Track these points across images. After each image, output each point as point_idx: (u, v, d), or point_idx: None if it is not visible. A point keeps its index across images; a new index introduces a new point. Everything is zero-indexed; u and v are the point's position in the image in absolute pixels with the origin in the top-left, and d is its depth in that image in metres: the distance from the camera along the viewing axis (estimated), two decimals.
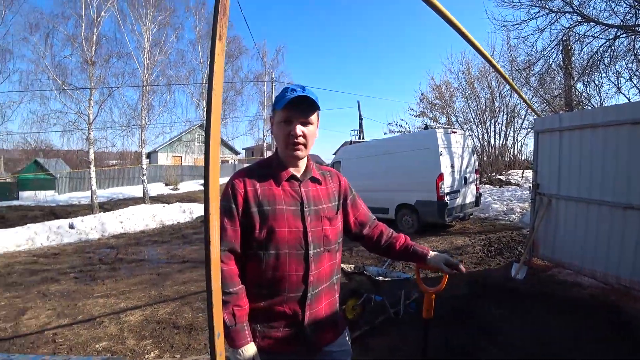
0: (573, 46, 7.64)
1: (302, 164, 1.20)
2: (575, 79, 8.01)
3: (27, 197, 18.68)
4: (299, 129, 1.10)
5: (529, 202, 8.92)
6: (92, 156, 13.24)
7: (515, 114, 15.91)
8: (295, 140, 1.11)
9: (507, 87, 15.30)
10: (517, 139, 16.88)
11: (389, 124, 18.71)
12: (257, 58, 21.75)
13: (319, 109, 1.15)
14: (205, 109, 0.87)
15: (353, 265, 3.53)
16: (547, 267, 4.46)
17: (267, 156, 1.26)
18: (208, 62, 0.91)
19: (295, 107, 1.09)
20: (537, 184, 4.42)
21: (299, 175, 1.18)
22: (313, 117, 1.14)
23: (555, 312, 3.17)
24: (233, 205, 1.08)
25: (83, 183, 20.23)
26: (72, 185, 21.58)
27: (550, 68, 8.23)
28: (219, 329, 0.87)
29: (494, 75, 15.59)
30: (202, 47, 17.61)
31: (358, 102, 19.71)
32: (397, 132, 17.64)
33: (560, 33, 7.14)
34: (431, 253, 1.32)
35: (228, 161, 33.88)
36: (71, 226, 9.39)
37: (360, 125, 20.23)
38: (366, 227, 1.34)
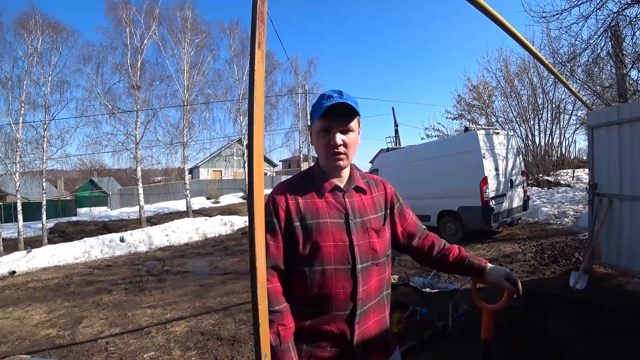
0: (624, 31, 7.03)
1: (345, 173, 1.14)
2: (629, 67, 7.33)
3: (84, 213, 20.29)
4: (339, 137, 1.05)
5: (584, 204, 8.27)
6: (139, 174, 14.13)
7: (562, 110, 14.85)
8: (336, 150, 1.05)
9: (550, 82, 14.39)
10: (564, 137, 15.73)
11: (426, 128, 18.12)
12: (290, 71, 22.19)
13: (359, 115, 1.09)
14: (248, 120, 0.84)
15: (397, 276, 3.40)
16: (611, 276, 4.04)
17: (308, 167, 1.22)
18: (247, 74, 0.86)
19: (334, 115, 1.04)
20: (595, 184, 4.04)
21: (342, 186, 1.12)
22: (353, 124, 1.08)
23: (629, 327, 2.82)
24: (275, 220, 1.04)
25: (132, 199, 21.57)
26: (123, 201, 23.13)
27: (599, 57, 7.60)
28: (265, 350, 0.83)
29: (535, 70, 14.72)
30: (237, 65, 18.38)
31: (392, 108, 19.32)
32: (435, 136, 17.09)
33: (608, 18, 6.59)
34: (489, 266, 1.19)
35: (266, 174, 34.70)
36: (122, 240, 9.99)
37: (396, 131, 19.84)
38: (415, 238, 1.24)
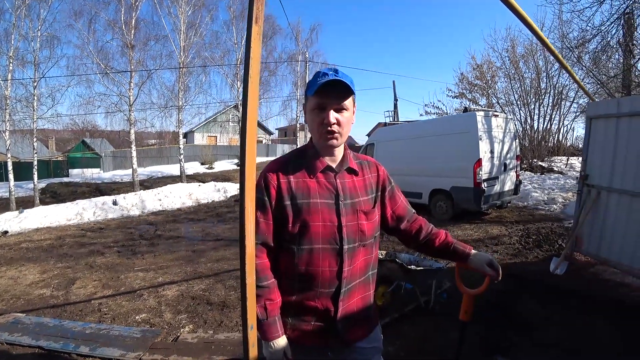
0: (637, 20, 6.87)
1: (339, 153, 1.14)
2: (637, 57, 7.23)
3: (76, 174, 20.15)
4: (333, 115, 1.03)
5: (574, 192, 8.40)
6: (133, 136, 13.90)
7: (564, 96, 14.74)
8: (330, 129, 1.04)
9: (556, 66, 14.15)
10: (563, 123, 15.72)
11: (425, 105, 17.80)
12: (291, 37, 21.45)
13: (354, 94, 1.08)
14: (242, 97, 0.83)
15: (384, 252, 3.49)
16: (589, 264, 4.19)
17: (302, 145, 1.22)
18: (244, 46, 0.85)
19: (328, 93, 1.02)
20: (587, 175, 4.09)
21: (334, 166, 1.12)
22: (348, 103, 1.07)
23: (598, 313, 2.96)
24: (266, 198, 1.05)
25: (125, 162, 21.42)
26: (116, 163, 22.96)
27: (608, 45, 7.46)
28: (252, 321, 0.87)
29: (542, 53, 14.43)
30: (236, 28, 17.64)
31: (393, 82, 19.00)
32: (434, 114, 16.93)
33: (623, 5, 6.41)
34: (473, 252, 1.23)
35: (261, 141, 34.41)
36: (114, 203, 10.01)
37: (395, 106, 19.61)
38: (404, 221, 1.27)
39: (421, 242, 1.27)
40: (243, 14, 17.08)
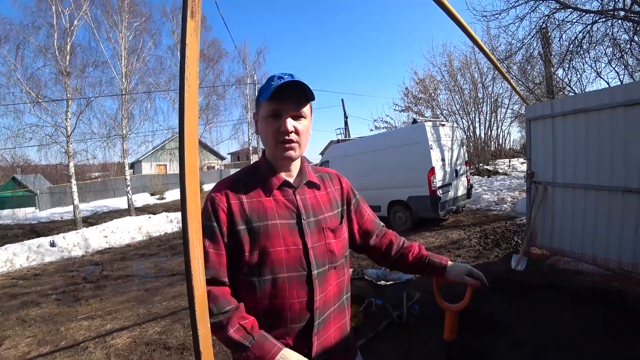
0: (552, 33, 7.68)
1: (295, 166, 1.01)
2: (556, 66, 8.05)
3: (6, 215, 17.90)
4: (290, 123, 0.91)
5: (520, 191, 9.01)
6: (72, 170, 12.74)
7: (499, 104, 16.08)
8: (287, 138, 0.91)
9: (490, 77, 15.44)
10: (501, 129, 17.09)
11: (375, 120, 18.68)
12: (237, 61, 21.31)
13: (314, 99, 0.96)
14: (178, 106, 0.68)
15: (351, 269, 3.38)
16: (545, 256, 4.40)
17: (254, 161, 1.07)
18: (179, 47, 0.67)
19: (285, 98, 0.90)
20: (532, 173, 4.35)
21: (292, 181, 0.99)
22: (306, 110, 0.95)
23: (560, 302, 3.08)
24: (215, 224, 0.89)
25: (65, 198, 19.55)
26: (54, 200, 20.82)
27: (531, 56, 8.26)
28: None
29: (476, 66, 15.72)
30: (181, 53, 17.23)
31: (342, 100, 19.46)
32: (383, 128, 17.64)
33: (540, 21, 7.16)
34: (450, 263, 1.13)
35: (214, 167, 33.37)
36: (52, 244, 8.97)
37: (346, 123, 20.05)
38: (373, 236, 1.15)
39: (393, 258, 1.16)
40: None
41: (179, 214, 12.17)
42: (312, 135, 1.06)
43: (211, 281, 0.85)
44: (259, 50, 21.21)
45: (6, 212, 18.59)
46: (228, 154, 37.59)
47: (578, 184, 3.73)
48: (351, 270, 3.37)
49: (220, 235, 0.89)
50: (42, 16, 12.48)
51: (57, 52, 12.29)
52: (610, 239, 3.43)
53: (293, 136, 0.92)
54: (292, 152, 0.94)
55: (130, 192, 14.44)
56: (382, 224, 1.21)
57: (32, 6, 12.52)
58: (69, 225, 13.03)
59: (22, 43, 12.45)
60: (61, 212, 17.38)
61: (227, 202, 0.91)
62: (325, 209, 1.01)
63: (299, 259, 0.91)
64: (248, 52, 20.96)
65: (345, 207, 1.10)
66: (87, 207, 17.16)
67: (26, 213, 18.00)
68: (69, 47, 12.53)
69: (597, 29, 6.61)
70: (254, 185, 0.95)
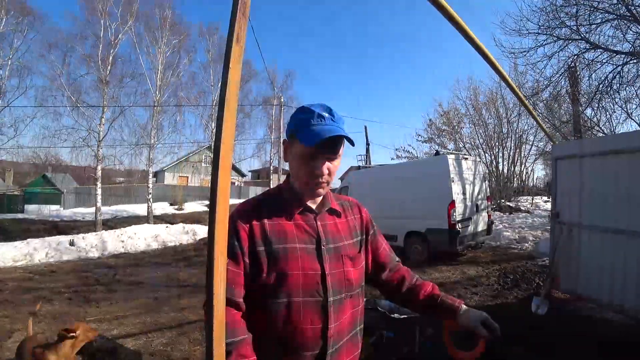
0: (581, 72, 7.59)
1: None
2: (584, 105, 7.90)
3: (32, 210, 18.65)
4: (326, 166, 0.92)
5: (542, 230, 8.67)
6: (99, 173, 13.25)
7: (524, 140, 15.80)
8: (320, 180, 0.93)
9: (515, 113, 15.27)
10: (525, 165, 16.71)
11: (397, 149, 18.62)
12: (265, 82, 22.14)
13: (353, 145, 0.96)
14: (216, 125, 0.69)
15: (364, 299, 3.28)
16: (568, 301, 4.18)
17: (277, 185, 1.08)
18: (222, 72, 0.70)
19: (326, 145, 0.89)
20: (557, 212, 4.19)
21: (314, 207, 0.99)
22: (341, 151, 0.97)
23: (584, 354, 2.87)
24: (236, 243, 0.88)
25: (89, 199, 20.20)
26: (78, 200, 21.58)
27: (559, 95, 8.16)
28: None
29: (502, 101, 15.62)
30: (213, 70, 18.09)
31: (365, 126, 19.72)
32: (405, 157, 17.56)
33: (569, 60, 7.10)
34: (463, 307, 1.06)
35: (234, 183, 33.89)
36: (71, 243, 9.22)
37: (367, 150, 20.12)
38: (386, 270, 1.13)
39: (403, 292, 1.12)
40: (221, 57, 17.43)
41: (195, 226, 12.33)
42: None
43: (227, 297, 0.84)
44: (287, 73, 22.08)
45: (32, 207, 19.37)
46: (249, 171, 38.20)
47: (607, 227, 3.56)
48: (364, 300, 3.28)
49: (241, 254, 0.89)
50: (90, 28, 13.47)
51: (99, 61, 13.11)
52: None
53: (325, 177, 0.93)
54: (321, 191, 0.96)
55: (150, 199, 14.80)
56: (397, 259, 1.19)
57: (82, 18, 13.52)
58: (89, 225, 13.40)
59: (69, 51, 13.40)
60: (83, 212, 17.93)
61: (249, 222, 0.91)
62: (345, 237, 1.01)
63: (315, 284, 0.90)
64: (277, 74, 21.73)
65: (364, 236, 1.09)
66: (108, 210, 17.62)
67: (51, 210, 18.71)
68: (111, 58, 13.37)
69: (628, 70, 6.50)
70: (276, 208, 0.96)
